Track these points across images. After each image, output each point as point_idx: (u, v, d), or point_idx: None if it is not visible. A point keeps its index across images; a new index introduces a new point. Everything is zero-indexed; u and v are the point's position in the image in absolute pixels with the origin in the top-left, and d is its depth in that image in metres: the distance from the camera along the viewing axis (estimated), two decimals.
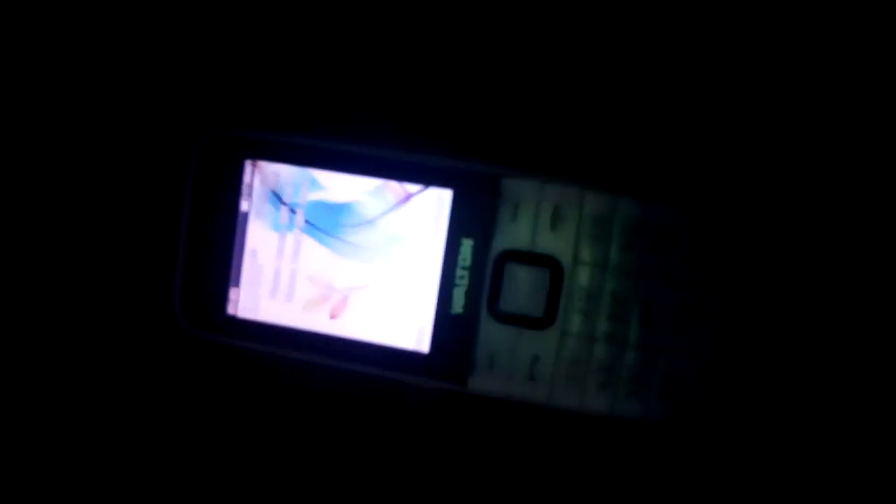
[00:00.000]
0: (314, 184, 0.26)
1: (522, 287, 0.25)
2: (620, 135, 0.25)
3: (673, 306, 0.24)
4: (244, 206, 0.26)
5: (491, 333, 0.25)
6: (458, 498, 0.26)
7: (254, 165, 0.26)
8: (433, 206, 0.25)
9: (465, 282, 0.25)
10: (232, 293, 0.27)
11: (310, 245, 0.26)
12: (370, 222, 0.26)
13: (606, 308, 0.24)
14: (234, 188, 0.27)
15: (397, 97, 0.26)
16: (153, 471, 0.28)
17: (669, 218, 0.24)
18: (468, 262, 0.25)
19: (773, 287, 0.24)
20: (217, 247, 0.27)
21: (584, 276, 0.24)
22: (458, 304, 0.25)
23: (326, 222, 0.26)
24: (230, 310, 0.27)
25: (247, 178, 0.26)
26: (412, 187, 0.25)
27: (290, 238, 0.26)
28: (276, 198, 0.26)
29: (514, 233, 0.25)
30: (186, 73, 0.27)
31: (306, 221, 0.26)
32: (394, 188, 0.26)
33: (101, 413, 0.29)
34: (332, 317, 0.26)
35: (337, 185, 0.26)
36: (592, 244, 0.24)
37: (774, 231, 0.24)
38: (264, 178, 0.26)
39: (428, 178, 0.25)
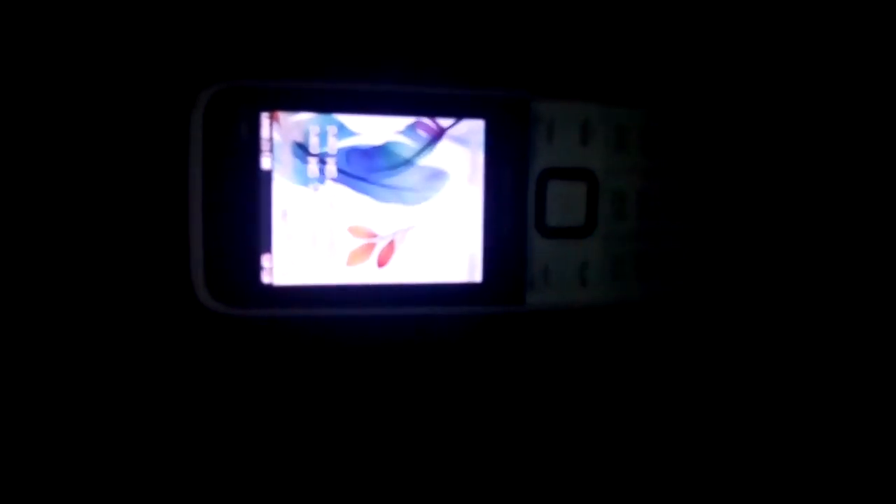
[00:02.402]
0: (343, 130, 0.25)
1: (563, 201, 0.27)
2: (628, 58, 0.27)
3: (683, 196, 0.28)
4: (265, 163, 0.24)
5: (541, 249, 0.26)
6: (520, 413, 0.28)
7: (272, 118, 0.24)
8: (468, 137, 0.26)
9: (510, 205, 0.26)
10: (265, 260, 0.24)
11: (346, 195, 0.25)
12: (407, 162, 0.25)
13: (636, 207, 0.27)
14: (252, 145, 0.24)
15: (410, 33, 0.26)
16: (211, 468, 0.25)
17: (671, 123, 0.27)
18: (511, 186, 0.26)
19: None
20: (240, 212, 0.24)
21: (614, 182, 0.27)
22: (505, 228, 0.26)
23: (361, 169, 0.25)
24: (265, 278, 0.25)
25: (265, 132, 0.24)
26: (444, 121, 0.26)
27: (324, 191, 0.25)
28: (302, 150, 0.24)
29: (551, 152, 0.26)
30: (182, 23, 0.24)
31: (339, 171, 0.25)
32: (425, 125, 0.25)
33: (136, 415, 0.24)
34: (381, 265, 0.25)
35: (367, 129, 0.25)
36: (618, 153, 0.27)
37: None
38: (285, 130, 0.24)
39: (460, 110, 0.26)
